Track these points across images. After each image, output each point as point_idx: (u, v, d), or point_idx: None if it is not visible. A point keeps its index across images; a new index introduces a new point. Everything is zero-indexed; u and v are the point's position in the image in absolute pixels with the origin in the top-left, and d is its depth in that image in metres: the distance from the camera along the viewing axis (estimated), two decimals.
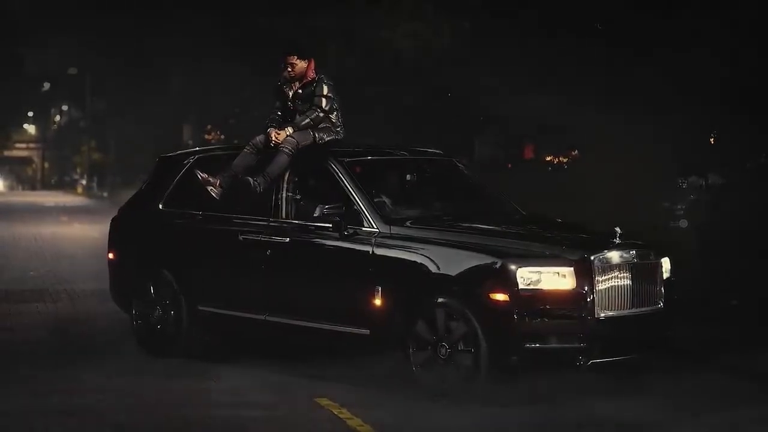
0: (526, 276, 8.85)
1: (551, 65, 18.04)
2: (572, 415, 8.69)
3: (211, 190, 10.46)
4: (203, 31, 29.24)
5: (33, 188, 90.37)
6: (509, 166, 23.22)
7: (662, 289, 9.37)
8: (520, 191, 14.17)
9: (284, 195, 10.27)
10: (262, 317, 10.22)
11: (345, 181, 9.92)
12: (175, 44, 32.17)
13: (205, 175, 10.49)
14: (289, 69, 10.61)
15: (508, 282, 8.84)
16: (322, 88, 10.53)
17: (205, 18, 28.76)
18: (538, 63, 18.30)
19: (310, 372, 10.10)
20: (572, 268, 8.91)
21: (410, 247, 9.39)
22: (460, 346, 9.00)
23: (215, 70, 31.01)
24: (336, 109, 10.62)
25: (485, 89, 20.03)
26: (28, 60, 57.41)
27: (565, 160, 22.26)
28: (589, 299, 8.90)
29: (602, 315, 8.95)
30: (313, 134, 10.42)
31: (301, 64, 10.61)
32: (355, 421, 8.51)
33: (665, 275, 9.49)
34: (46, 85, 74.40)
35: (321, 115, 10.47)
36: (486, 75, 19.79)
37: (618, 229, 9.26)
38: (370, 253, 9.55)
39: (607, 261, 9.06)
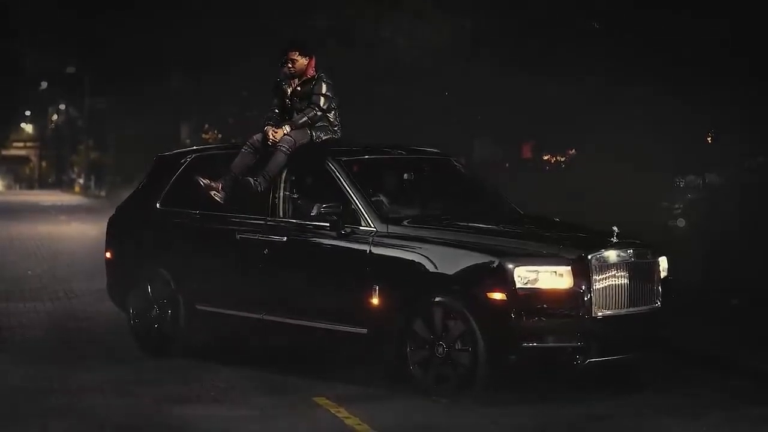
0: (524, 275, 8.84)
1: (549, 64, 18.02)
2: (570, 414, 8.68)
3: (214, 195, 10.43)
4: (203, 31, 29.21)
5: (31, 187, 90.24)
6: (507, 165, 23.18)
7: (660, 288, 9.36)
8: (518, 190, 14.17)
9: (282, 194, 10.25)
10: (259, 316, 10.22)
11: (342, 180, 9.90)
12: (174, 43, 32.14)
13: (207, 182, 10.46)
14: (290, 65, 10.58)
15: (505, 281, 8.83)
16: (321, 86, 10.50)
17: (204, 17, 28.73)
18: (536, 62, 18.28)
19: (307, 371, 10.10)
20: (570, 267, 8.89)
21: (408, 246, 9.38)
22: (458, 345, 8.99)
23: (214, 69, 30.99)
24: (334, 108, 10.60)
25: (484, 88, 20.01)
26: (26, 59, 57.30)
27: (563, 160, 22.25)
28: (586, 298, 8.89)
29: (600, 314, 8.94)
30: (311, 133, 10.41)
31: (302, 61, 10.58)
32: (352, 420, 8.50)
33: (663, 274, 9.49)
34: (44, 84, 74.22)
35: (319, 113, 10.45)
36: (485, 74, 19.78)
37: (615, 228, 9.25)
38: (368, 252, 9.53)
39: (605, 260, 9.05)
